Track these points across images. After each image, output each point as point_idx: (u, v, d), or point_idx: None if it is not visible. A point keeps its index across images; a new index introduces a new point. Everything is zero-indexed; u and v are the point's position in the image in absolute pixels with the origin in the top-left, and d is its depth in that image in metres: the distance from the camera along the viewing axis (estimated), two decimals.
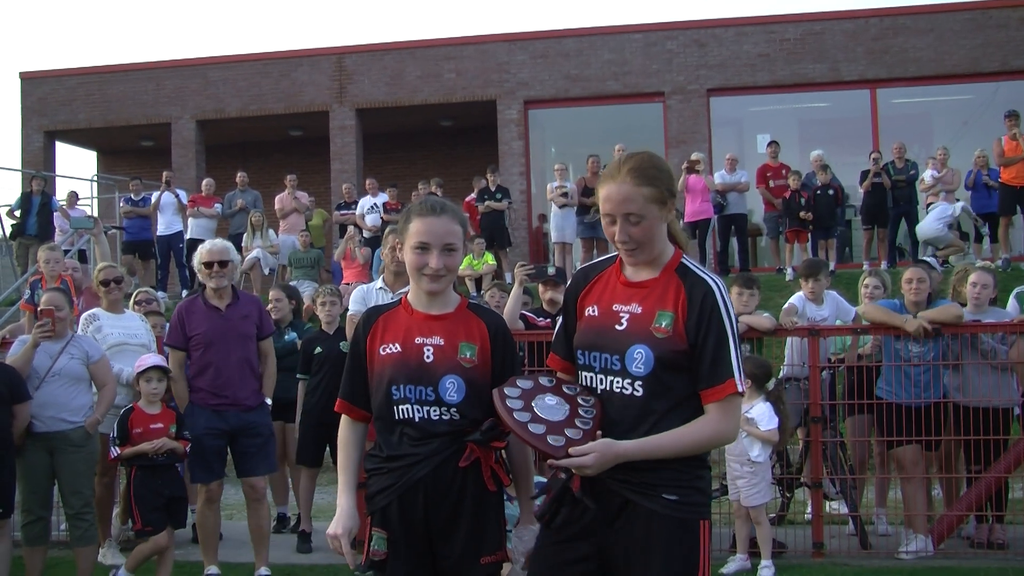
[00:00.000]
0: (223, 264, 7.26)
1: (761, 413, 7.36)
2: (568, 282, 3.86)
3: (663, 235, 3.49)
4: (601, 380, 3.45)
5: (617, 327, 3.43)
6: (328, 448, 8.65)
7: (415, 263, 3.74)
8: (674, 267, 3.47)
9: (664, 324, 3.36)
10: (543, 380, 3.57)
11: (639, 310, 3.42)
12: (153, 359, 7.26)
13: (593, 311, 3.53)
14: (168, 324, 7.76)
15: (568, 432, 3.34)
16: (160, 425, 6.95)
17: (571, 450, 3.28)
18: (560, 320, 3.75)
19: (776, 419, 7.41)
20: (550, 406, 3.43)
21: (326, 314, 8.66)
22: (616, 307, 3.46)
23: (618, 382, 3.40)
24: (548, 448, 3.32)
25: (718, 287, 3.40)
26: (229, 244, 7.68)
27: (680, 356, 3.35)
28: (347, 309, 8.23)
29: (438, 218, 3.75)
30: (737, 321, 3.42)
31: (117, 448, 6.86)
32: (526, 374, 3.72)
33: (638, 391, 3.37)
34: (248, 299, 7.64)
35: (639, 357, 3.36)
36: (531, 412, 3.41)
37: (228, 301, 7.32)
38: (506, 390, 3.50)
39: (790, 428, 7.91)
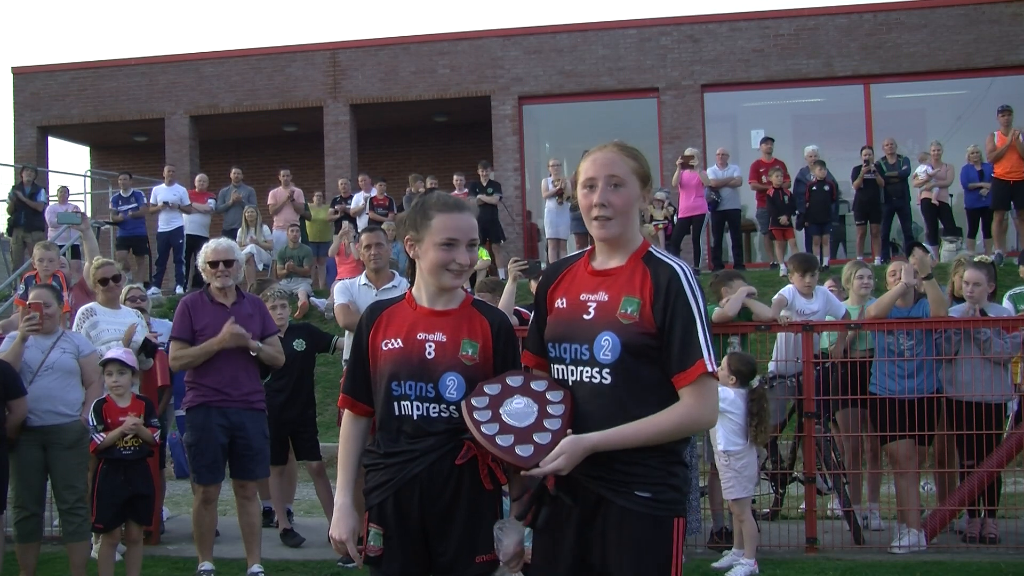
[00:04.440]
0: (228, 263, 7.26)
1: (727, 396, 7.30)
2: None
3: (635, 221, 3.52)
4: (572, 371, 3.45)
5: (585, 316, 3.44)
6: (292, 446, 8.75)
7: (440, 259, 3.70)
8: (641, 255, 3.48)
9: (630, 310, 3.37)
10: (511, 380, 3.55)
11: (605, 298, 3.43)
12: (113, 352, 7.22)
13: (562, 303, 3.54)
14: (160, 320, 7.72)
15: (536, 437, 3.35)
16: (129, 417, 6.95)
17: (540, 463, 3.29)
18: (532, 317, 3.75)
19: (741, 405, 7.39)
20: (518, 410, 3.42)
21: (277, 316, 8.59)
22: (584, 296, 3.48)
23: (587, 371, 3.40)
24: (518, 460, 3.34)
25: (684, 271, 3.40)
26: (234, 243, 7.69)
27: (647, 340, 3.34)
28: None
29: (462, 214, 3.77)
30: (706, 304, 3.41)
31: (101, 435, 6.85)
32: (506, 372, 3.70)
33: (607, 379, 3.36)
34: (251, 299, 7.63)
35: (606, 344, 3.36)
36: (499, 422, 3.41)
37: (233, 299, 7.33)
38: (474, 400, 3.49)
39: (772, 426, 7.91)
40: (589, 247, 3.64)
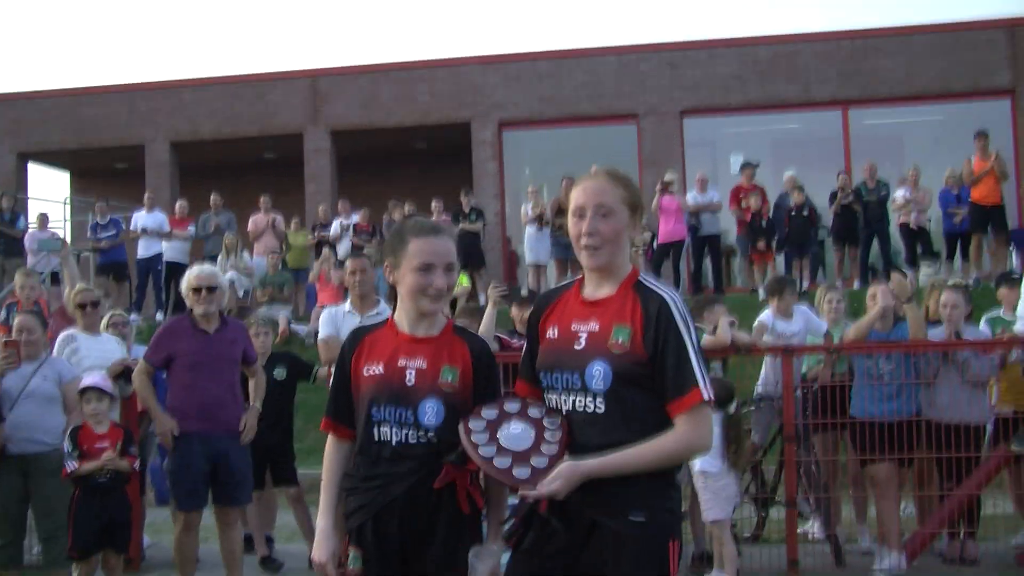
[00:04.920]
0: (211, 289, 7.22)
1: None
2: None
3: (625, 249, 3.54)
4: (564, 400, 3.47)
5: (576, 346, 3.45)
6: (270, 471, 8.69)
7: (417, 283, 3.72)
8: (631, 283, 3.50)
9: (621, 339, 3.39)
10: (508, 406, 3.57)
11: (596, 327, 3.44)
12: (91, 379, 7.19)
13: (553, 333, 3.55)
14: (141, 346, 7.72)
15: (534, 461, 3.37)
16: (105, 444, 6.90)
17: (538, 486, 3.31)
18: (525, 346, 3.77)
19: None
20: (515, 435, 3.45)
21: (260, 344, 8.54)
22: (575, 326, 3.49)
23: (580, 400, 3.42)
24: (514, 481, 3.37)
25: (673, 300, 3.42)
26: (217, 270, 7.68)
27: (639, 369, 3.36)
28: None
29: (439, 238, 3.78)
30: (696, 332, 3.44)
31: (75, 463, 6.81)
32: (503, 397, 3.72)
33: (599, 407, 3.38)
34: (235, 325, 7.62)
35: (598, 373, 3.38)
36: (496, 444, 3.43)
37: (216, 325, 7.29)
38: (471, 423, 3.51)
39: (752, 447, 7.94)
40: (580, 276, 3.65)
